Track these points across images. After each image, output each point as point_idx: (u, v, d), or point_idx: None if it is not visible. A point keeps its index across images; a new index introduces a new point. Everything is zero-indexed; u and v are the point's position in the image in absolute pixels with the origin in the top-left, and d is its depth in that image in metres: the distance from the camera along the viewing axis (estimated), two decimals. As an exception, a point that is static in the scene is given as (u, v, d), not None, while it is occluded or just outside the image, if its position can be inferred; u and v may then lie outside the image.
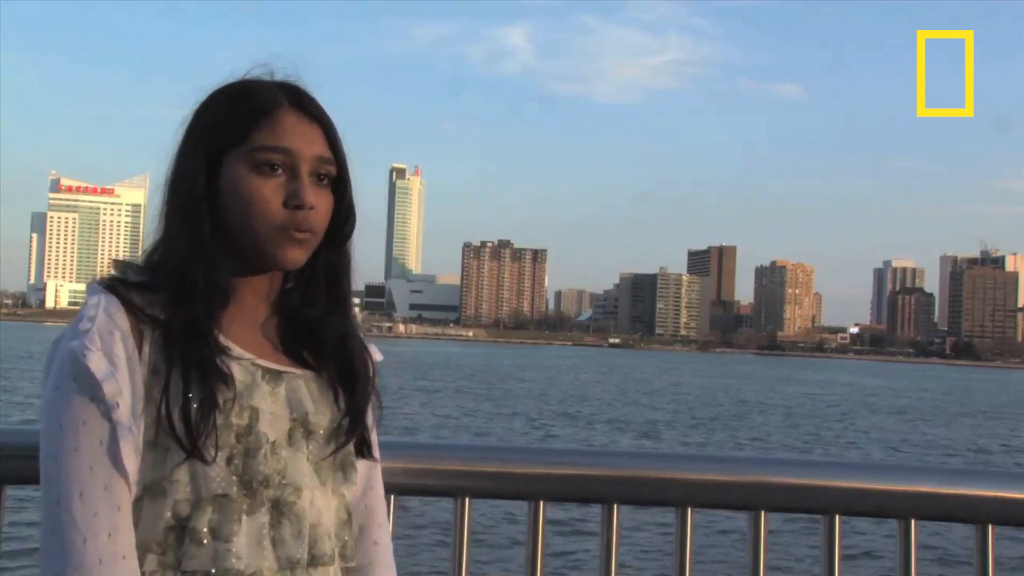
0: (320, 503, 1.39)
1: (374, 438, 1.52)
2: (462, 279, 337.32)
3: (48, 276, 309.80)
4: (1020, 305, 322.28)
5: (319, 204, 1.36)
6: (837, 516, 1.93)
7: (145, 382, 1.28)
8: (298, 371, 1.41)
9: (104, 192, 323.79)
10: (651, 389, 58.96)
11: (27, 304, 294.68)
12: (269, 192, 1.34)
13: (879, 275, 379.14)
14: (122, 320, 1.28)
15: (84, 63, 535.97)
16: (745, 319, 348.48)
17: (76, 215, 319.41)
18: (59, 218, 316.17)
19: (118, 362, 1.26)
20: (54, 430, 1.25)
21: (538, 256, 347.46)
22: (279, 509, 1.33)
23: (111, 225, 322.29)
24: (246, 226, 1.34)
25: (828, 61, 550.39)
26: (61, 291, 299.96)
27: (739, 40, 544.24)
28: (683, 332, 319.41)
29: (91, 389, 1.24)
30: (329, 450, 1.41)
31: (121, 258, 1.40)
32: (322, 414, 1.41)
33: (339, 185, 1.41)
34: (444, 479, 1.86)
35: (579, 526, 11.84)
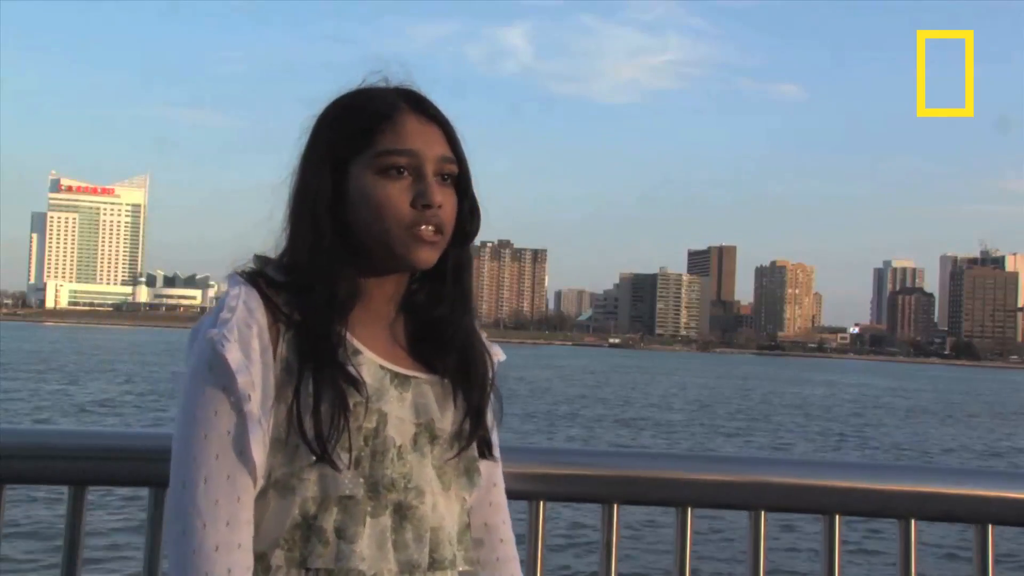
0: (442, 508, 1.41)
1: (495, 438, 1.54)
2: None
3: (48, 276, 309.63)
4: (1020, 305, 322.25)
5: (445, 203, 1.40)
6: (837, 516, 1.93)
7: (278, 380, 1.31)
8: (424, 376, 1.44)
9: (104, 192, 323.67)
10: (661, 390, 58.71)
11: (27, 304, 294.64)
12: (397, 194, 1.37)
13: (879, 275, 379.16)
14: (261, 314, 1.31)
15: (84, 63, 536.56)
16: (745, 319, 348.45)
17: (76, 215, 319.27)
18: (59, 218, 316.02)
19: (253, 355, 1.29)
20: (188, 416, 1.29)
21: (538, 256, 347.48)
22: (401, 513, 1.36)
23: (111, 225, 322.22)
24: (377, 230, 1.37)
25: (828, 61, 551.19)
26: (61, 291, 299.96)
27: (739, 40, 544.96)
28: (683, 332, 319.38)
29: (225, 379, 1.27)
30: (452, 453, 1.44)
31: (261, 253, 1.42)
32: (446, 419, 1.43)
33: (461, 183, 1.45)
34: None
35: (579, 525, 11.84)
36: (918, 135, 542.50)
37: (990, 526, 1.95)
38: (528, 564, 1.89)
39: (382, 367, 1.39)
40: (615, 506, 1.91)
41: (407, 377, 1.41)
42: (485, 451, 1.50)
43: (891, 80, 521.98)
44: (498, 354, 1.56)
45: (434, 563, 1.38)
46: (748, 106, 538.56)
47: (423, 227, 1.37)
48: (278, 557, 1.31)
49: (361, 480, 1.33)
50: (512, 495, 1.94)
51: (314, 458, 1.30)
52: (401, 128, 1.39)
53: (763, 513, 1.92)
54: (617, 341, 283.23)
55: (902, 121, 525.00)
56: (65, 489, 1.82)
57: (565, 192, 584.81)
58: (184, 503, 1.26)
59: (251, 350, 1.29)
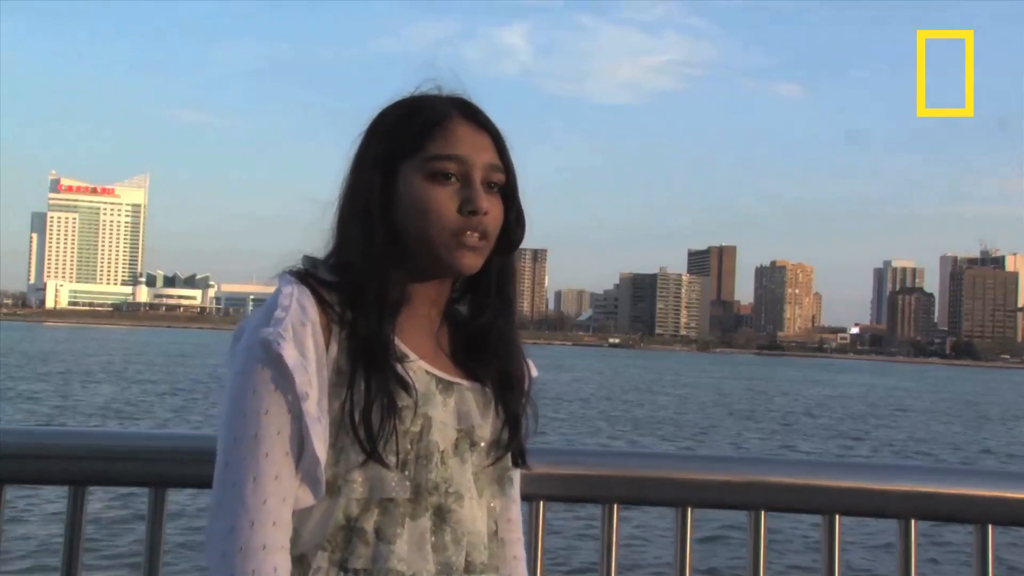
0: (477, 513, 1.43)
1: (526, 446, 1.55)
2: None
3: (48, 276, 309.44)
4: (1020, 305, 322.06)
5: (492, 210, 1.41)
6: (837, 516, 1.92)
7: (329, 380, 1.32)
8: (466, 383, 1.45)
9: (104, 192, 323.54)
10: (670, 392, 58.36)
11: (27, 304, 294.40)
12: (445, 199, 1.38)
13: (879, 275, 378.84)
14: (314, 313, 1.32)
15: (84, 62, 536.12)
16: (745, 319, 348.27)
17: (76, 215, 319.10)
18: (59, 218, 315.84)
19: (308, 354, 1.30)
20: (237, 414, 1.29)
21: (538, 256, 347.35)
22: (441, 516, 1.38)
23: (111, 225, 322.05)
24: (422, 234, 1.39)
25: (828, 61, 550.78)
26: (61, 291, 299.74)
27: (739, 40, 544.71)
28: (683, 332, 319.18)
29: (280, 379, 1.28)
30: (489, 461, 1.46)
31: (311, 255, 1.44)
32: (486, 427, 1.46)
33: (508, 192, 1.46)
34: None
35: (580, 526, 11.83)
36: (918, 135, 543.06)
37: (990, 526, 1.95)
38: (528, 564, 1.89)
39: (427, 372, 1.40)
40: (615, 506, 1.91)
41: (450, 383, 1.43)
42: (519, 460, 1.53)
43: (891, 80, 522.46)
44: (532, 369, 1.57)
45: (469, 566, 1.40)
46: (748, 106, 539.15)
47: (468, 233, 1.39)
48: (321, 559, 1.32)
49: (407, 483, 1.35)
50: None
51: (362, 459, 1.31)
52: (452, 134, 1.41)
53: (763, 513, 1.92)
54: (617, 341, 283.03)
55: (902, 121, 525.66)
56: (65, 489, 1.82)
57: (565, 191, 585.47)
58: (233, 502, 1.26)
59: (306, 349, 1.29)
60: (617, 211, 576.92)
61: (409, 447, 1.35)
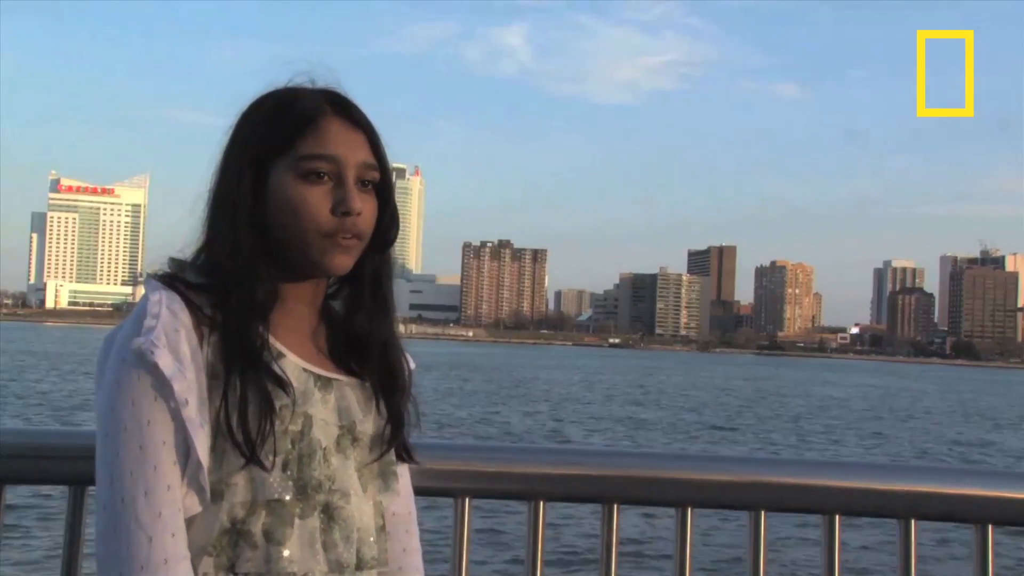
0: (363, 508, 1.42)
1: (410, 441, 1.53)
2: (462, 279, 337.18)
3: (48, 276, 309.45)
4: (1020, 305, 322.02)
5: (365, 209, 1.38)
6: (837, 516, 1.93)
7: (206, 385, 1.29)
8: (345, 378, 1.44)
9: (104, 192, 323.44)
10: (673, 391, 58.15)
11: (27, 304, 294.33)
12: (317, 200, 1.35)
13: (879, 275, 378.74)
14: (185, 318, 1.29)
15: (84, 62, 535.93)
16: (745, 319, 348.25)
17: (76, 215, 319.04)
18: (59, 218, 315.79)
19: (184, 359, 1.26)
20: (117, 429, 1.24)
21: (538, 256, 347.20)
22: (329, 514, 1.36)
23: (111, 225, 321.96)
24: (294, 234, 1.36)
25: (828, 61, 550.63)
26: (61, 291, 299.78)
27: (739, 40, 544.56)
28: (683, 332, 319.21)
29: (158, 387, 1.24)
30: (372, 457, 1.45)
31: (177, 256, 1.40)
32: (367, 422, 1.44)
33: (383, 190, 1.43)
34: (444, 479, 1.86)
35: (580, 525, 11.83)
36: (918, 135, 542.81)
37: (990, 526, 1.95)
38: (528, 564, 1.90)
39: (305, 370, 1.38)
40: (615, 506, 1.90)
41: (329, 379, 1.41)
42: (404, 455, 1.52)
43: (891, 80, 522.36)
44: (410, 362, 1.55)
45: (360, 563, 1.40)
46: (748, 106, 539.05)
47: (341, 233, 1.36)
48: (206, 564, 1.29)
49: (290, 483, 1.32)
50: (512, 495, 1.95)
51: (243, 461, 1.28)
52: (324, 132, 1.37)
53: (763, 513, 1.92)
54: (617, 341, 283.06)
55: (902, 121, 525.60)
56: (65, 489, 1.82)
57: (565, 191, 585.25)
58: (125, 519, 1.22)
59: (182, 355, 1.26)
60: (617, 211, 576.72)
61: (290, 446, 1.33)
